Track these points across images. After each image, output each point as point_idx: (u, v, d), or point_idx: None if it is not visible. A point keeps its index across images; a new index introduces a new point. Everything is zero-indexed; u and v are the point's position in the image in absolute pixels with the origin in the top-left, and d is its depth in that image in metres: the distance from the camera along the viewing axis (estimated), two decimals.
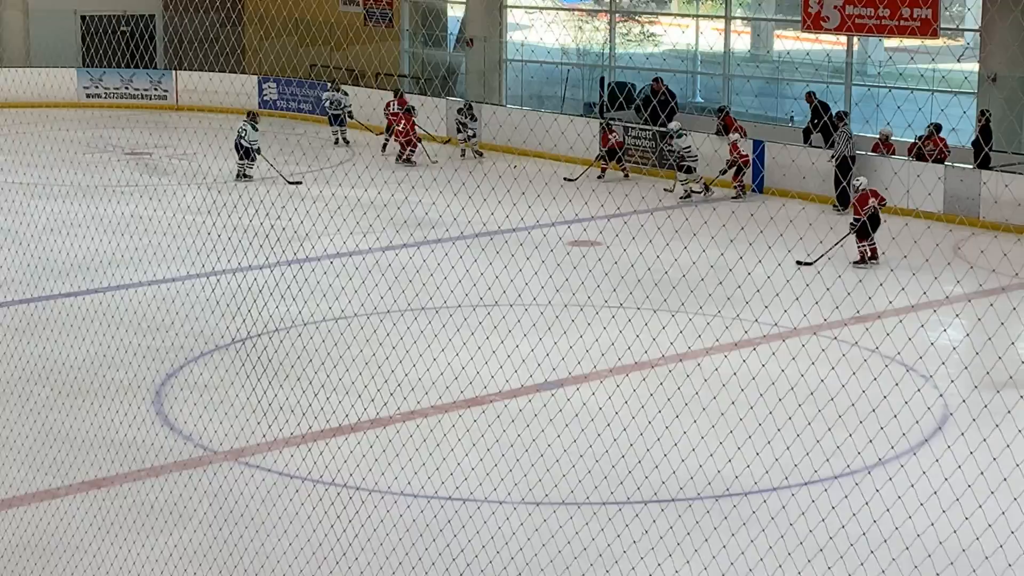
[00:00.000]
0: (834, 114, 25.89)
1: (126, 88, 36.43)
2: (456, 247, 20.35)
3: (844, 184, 23.61)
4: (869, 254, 20.52)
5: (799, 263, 17.74)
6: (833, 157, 24.46)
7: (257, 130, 27.24)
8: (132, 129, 32.46)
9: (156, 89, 36.36)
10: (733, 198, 25.13)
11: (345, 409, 13.65)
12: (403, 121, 28.87)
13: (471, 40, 34.16)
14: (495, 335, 13.31)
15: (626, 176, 27.41)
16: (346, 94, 31.42)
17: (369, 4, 36.25)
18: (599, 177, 27.32)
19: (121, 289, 18.90)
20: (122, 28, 38.04)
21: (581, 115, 31.46)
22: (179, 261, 19.32)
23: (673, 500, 12.09)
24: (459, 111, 29.92)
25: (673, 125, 26.08)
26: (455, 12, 36.50)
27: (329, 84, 32.16)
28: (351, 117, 31.21)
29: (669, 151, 26.10)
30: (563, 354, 13.22)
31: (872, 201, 20.44)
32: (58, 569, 10.98)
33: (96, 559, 11.03)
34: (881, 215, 20.58)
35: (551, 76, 34.48)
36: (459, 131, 29.74)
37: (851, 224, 20.44)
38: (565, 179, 25.21)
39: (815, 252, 17.87)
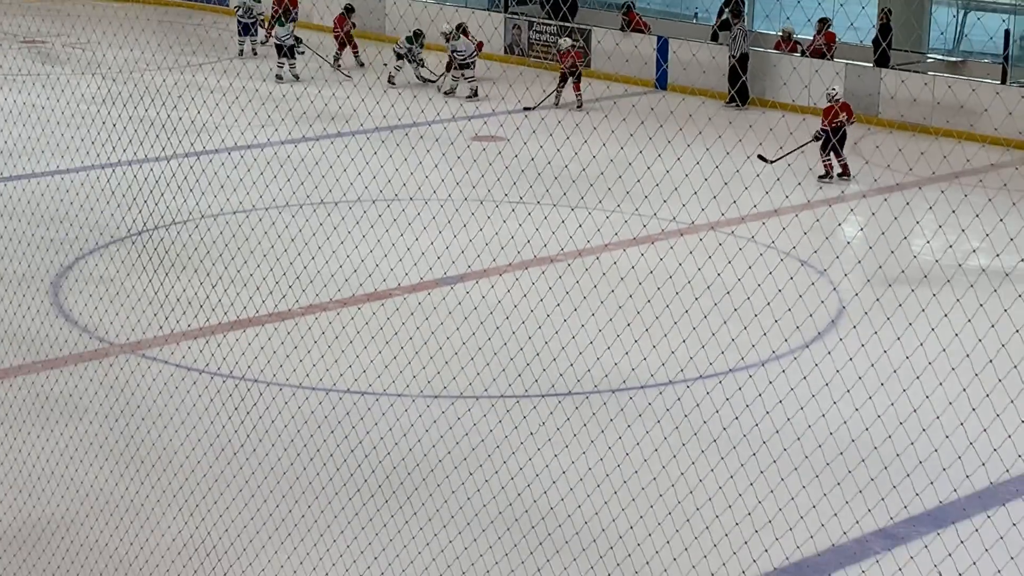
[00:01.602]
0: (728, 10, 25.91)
1: None
2: (356, 140, 20.21)
3: (743, 80, 23.73)
4: (839, 170, 20.10)
5: (760, 157, 17.62)
6: (731, 55, 24.51)
7: (284, 24, 26.48)
8: (26, 16, 31.77)
9: None
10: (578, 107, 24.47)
11: (244, 302, 13.60)
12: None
13: None
14: (395, 229, 13.31)
15: (579, 107, 26.69)
16: (258, 0, 28.67)
17: None
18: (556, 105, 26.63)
19: (17, 179, 18.62)
20: None
21: (485, 9, 31.24)
22: (75, 152, 18.99)
23: (570, 393, 12.23)
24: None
25: (445, 27, 25.95)
26: None
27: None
28: (262, 26, 28.95)
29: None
30: (463, 248, 13.25)
31: (842, 116, 19.87)
32: None
33: None
34: (847, 130, 20.09)
35: None
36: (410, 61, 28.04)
37: (815, 134, 19.85)
38: (525, 108, 24.21)
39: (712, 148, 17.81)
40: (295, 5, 28.90)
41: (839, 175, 20.17)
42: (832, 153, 20.07)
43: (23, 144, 20.01)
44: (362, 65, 27.01)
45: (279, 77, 26.12)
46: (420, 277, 14.04)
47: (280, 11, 26.78)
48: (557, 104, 24.27)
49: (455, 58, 25.44)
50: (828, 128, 19.78)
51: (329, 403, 11.98)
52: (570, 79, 24.36)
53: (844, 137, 20.13)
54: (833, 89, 20.36)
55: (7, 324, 13.57)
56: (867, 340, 10.28)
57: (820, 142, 19.88)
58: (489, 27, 28.13)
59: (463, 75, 25.36)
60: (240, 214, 17.07)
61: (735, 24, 24.88)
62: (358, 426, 11.18)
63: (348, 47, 27.51)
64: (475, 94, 25.15)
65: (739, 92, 24.20)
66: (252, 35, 28.55)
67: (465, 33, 25.92)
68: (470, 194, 15.85)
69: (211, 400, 11.62)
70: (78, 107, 21.90)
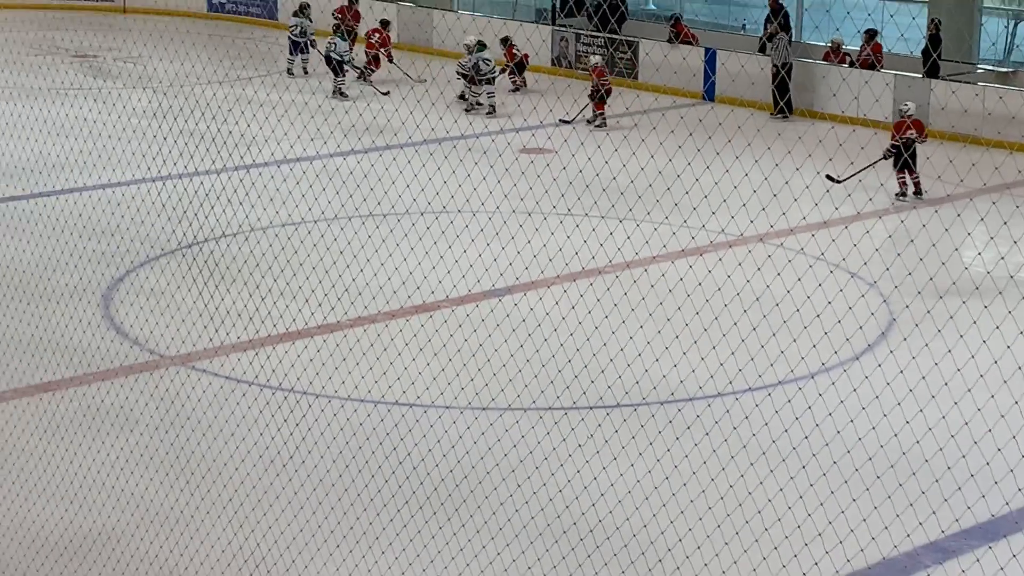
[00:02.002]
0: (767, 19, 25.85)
1: None
2: (404, 153, 20.27)
3: (774, 88, 23.80)
4: (913, 188, 19.68)
5: (828, 177, 17.43)
6: (773, 65, 24.44)
7: (346, 40, 26.18)
8: (79, 31, 32.03)
9: None
10: (597, 125, 24.21)
11: (293, 314, 13.68)
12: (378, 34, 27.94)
13: None
14: (443, 241, 13.33)
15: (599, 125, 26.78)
16: (311, 21, 28.13)
17: None
18: (513, 91, 26.78)
19: (68, 193, 18.76)
20: None
21: (533, 21, 31.29)
22: (126, 165, 19.16)
23: (618, 405, 12.20)
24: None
25: (470, 39, 25.49)
26: None
27: (299, 7, 28.58)
28: (313, 46, 28.03)
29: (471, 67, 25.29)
30: (511, 260, 13.25)
31: (910, 132, 19.50)
32: (4, 471, 10.99)
33: (43, 462, 11.04)
34: (918, 148, 19.61)
35: None
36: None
37: (886, 150, 19.53)
38: (561, 120, 24.19)
39: (761, 160, 17.68)
40: (357, 21, 28.85)
41: (913, 193, 19.75)
42: (906, 170, 19.68)
43: (75, 157, 20.17)
44: (415, 79, 26.82)
45: (342, 94, 25.85)
46: (468, 289, 14.04)
47: (343, 26, 26.80)
48: (590, 121, 24.07)
49: (477, 73, 25.33)
50: (898, 144, 19.45)
51: (377, 415, 12.00)
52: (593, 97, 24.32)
53: (915, 154, 19.66)
54: (906, 105, 20.02)
55: (59, 337, 13.67)
56: (918, 352, 10.22)
57: (891, 159, 19.49)
58: (537, 40, 28.17)
59: (485, 91, 25.04)
60: (289, 227, 17.14)
61: (777, 35, 24.82)
62: (406, 438, 11.19)
63: (385, 62, 27.48)
64: (493, 110, 24.76)
65: (776, 101, 24.17)
66: (304, 53, 27.99)
67: (503, 44, 26.02)
68: (518, 206, 15.85)
69: (260, 412, 11.67)
70: (129, 121, 22.09)
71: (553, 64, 28.77)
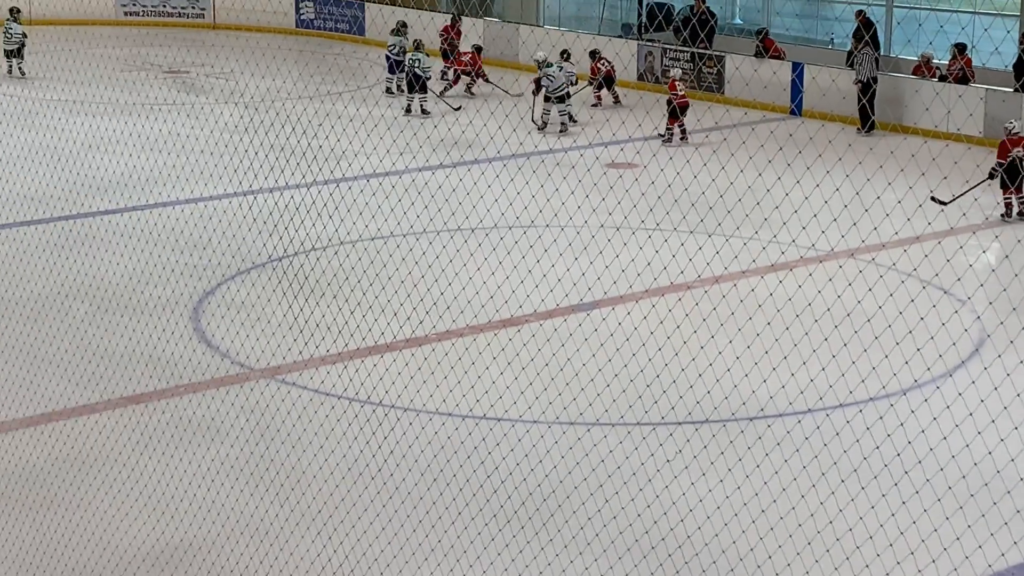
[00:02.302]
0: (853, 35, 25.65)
1: (164, 6, 36.33)
2: (493, 167, 20.28)
3: (865, 104, 23.61)
4: (1017, 209, 19.20)
5: (934, 199, 17.23)
6: (856, 80, 24.21)
7: (427, 56, 25.84)
8: (170, 47, 32.45)
9: (193, 7, 36.26)
10: (664, 141, 24.03)
11: (381, 328, 13.71)
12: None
13: None
14: (531, 256, 13.32)
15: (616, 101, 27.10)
16: (423, 52, 26.19)
17: None
18: (594, 106, 26.86)
19: (160, 207, 18.98)
20: None
21: (619, 36, 31.27)
22: (217, 179, 19.34)
23: (707, 421, 12.11)
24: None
25: (539, 55, 25.15)
26: None
27: (397, 26, 27.54)
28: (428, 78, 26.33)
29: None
30: (599, 275, 13.21)
31: (1016, 150, 19.00)
32: (96, 482, 11.10)
33: (134, 473, 11.15)
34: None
35: None
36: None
37: (991, 170, 19.03)
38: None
39: (939, 191, 17.32)
40: (459, 37, 28.93)
41: (1017, 214, 19.29)
42: (1012, 190, 19.22)
43: (167, 172, 20.41)
44: (511, 93, 26.75)
45: (424, 111, 25.70)
46: (556, 304, 14.05)
47: (444, 43, 26.82)
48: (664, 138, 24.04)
49: (548, 88, 25.30)
50: (1003, 164, 19.00)
51: (465, 429, 11.99)
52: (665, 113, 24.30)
53: (1018, 173, 19.12)
54: (1011, 123, 19.53)
55: (150, 349, 13.80)
56: (1012, 369, 10.07)
57: (996, 179, 18.99)
58: (626, 54, 28.14)
59: (556, 108, 24.81)
60: (378, 240, 17.21)
61: (860, 49, 24.60)
62: (493, 452, 11.17)
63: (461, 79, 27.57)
64: (565, 128, 24.40)
65: (862, 117, 23.98)
66: (400, 72, 27.19)
67: (591, 57, 26.00)
68: (606, 221, 15.79)
69: (348, 425, 11.70)
70: (220, 136, 22.32)
71: (639, 79, 28.72)
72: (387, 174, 20.42)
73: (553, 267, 12.74)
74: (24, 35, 29.23)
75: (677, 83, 24.20)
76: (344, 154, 20.00)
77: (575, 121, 24.66)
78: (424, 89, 25.74)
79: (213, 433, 12.12)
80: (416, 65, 25.63)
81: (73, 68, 28.98)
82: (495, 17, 33.27)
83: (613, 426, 11.95)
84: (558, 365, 12.35)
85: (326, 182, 19.11)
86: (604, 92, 26.89)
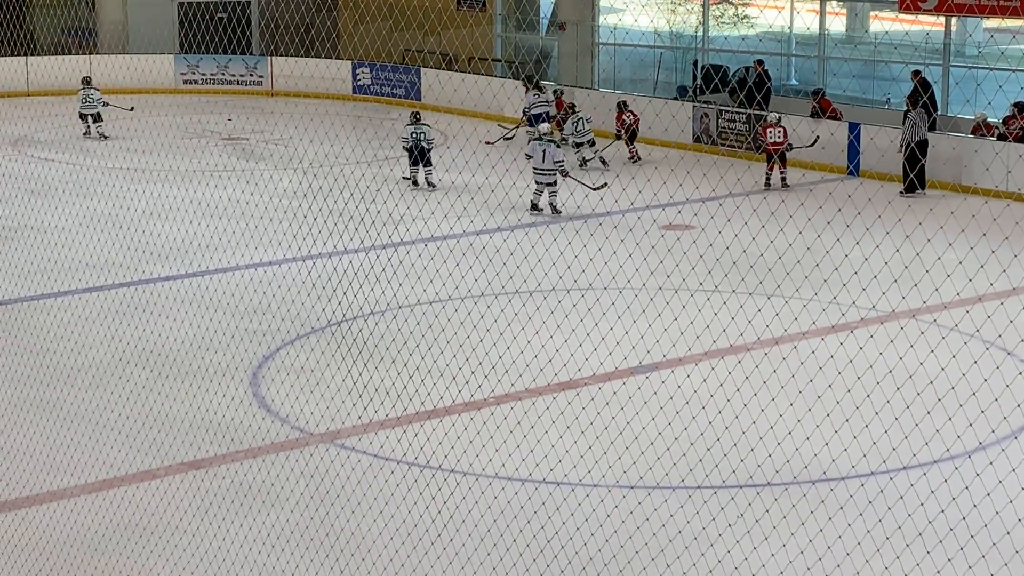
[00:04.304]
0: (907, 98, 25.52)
1: (222, 74, 36.73)
2: (550, 230, 20.33)
3: (917, 165, 23.45)
4: None
5: None
6: (907, 141, 24.01)
7: (429, 128, 25.24)
8: (228, 114, 32.75)
9: (251, 75, 36.64)
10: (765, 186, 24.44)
11: (440, 392, 13.71)
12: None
13: (564, 24, 34.09)
14: (589, 318, 13.30)
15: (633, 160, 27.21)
16: (428, 125, 25.59)
17: None
18: (630, 159, 27.12)
19: (219, 273, 19.09)
20: (218, 14, 38.39)
21: (675, 98, 31.32)
22: (275, 245, 19.47)
23: (768, 484, 12.01)
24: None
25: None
26: None
27: (412, 117, 25.83)
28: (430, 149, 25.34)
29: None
30: (657, 337, 13.17)
31: None
32: (158, 548, 11.11)
33: (195, 539, 11.15)
34: None
35: (644, 59, 34.34)
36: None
37: None
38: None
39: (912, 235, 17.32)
40: (560, 108, 29.12)
41: None
42: None
43: (226, 238, 20.54)
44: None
45: (414, 182, 24.86)
46: (614, 366, 13.99)
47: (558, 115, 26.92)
48: (767, 186, 24.34)
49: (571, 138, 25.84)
50: None
51: (525, 493, 11.93)
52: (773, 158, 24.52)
53: None
54: None
55: (209, 415, 13.84)
56: None
57: None
58: (682, 116, 28.18)
59: (583, 157, 25.37)
60: (435, 304, 17.23)
61: (911, 111, 24.48)
62: (553, 517, 11.12)
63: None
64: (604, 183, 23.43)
65: (914, 177, 23.86)
66: (428, 164, 25.11)
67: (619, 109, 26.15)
68: (664, 283, 15.77)
69: (408, 490, 11.68)
70: (280, 202, 22.50)
71: (695, 140, 28.73)
72: (444, 238, 20.48)
73: (612, 330, 12.70)
74: (104, 102, 29.74)
75: (771, 129, 24.46)
76: (402, 219, 20.14)
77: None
78: (429, 162, 24.95)
79: (274, 499, 12.11)
80: (422, 138, 24.94)
81: (133, 136, 29.31)
82: (550, 81, 33.41)
83: (674, 490, 11.86)
84: (617, 428, 12.29)
85: (384, 246, 19.19)
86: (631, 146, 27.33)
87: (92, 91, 29.73)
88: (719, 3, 34.81)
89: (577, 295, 16.21)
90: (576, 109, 27.61)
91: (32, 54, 35.68)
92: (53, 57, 35.60)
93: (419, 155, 24.82)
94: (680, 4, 35.09)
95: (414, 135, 24.74)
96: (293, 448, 13.32)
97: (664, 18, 34.90)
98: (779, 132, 24.67)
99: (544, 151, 22.41)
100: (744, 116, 27.94)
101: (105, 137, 29.38)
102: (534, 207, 22.44)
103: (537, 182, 22.53)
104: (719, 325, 13.33)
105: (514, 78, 32.13)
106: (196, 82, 36.64)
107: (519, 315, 15.44)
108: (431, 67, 34.57)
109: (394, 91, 35.24)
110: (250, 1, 38.82)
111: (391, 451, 12.97)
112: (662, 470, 11.79)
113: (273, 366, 15.57)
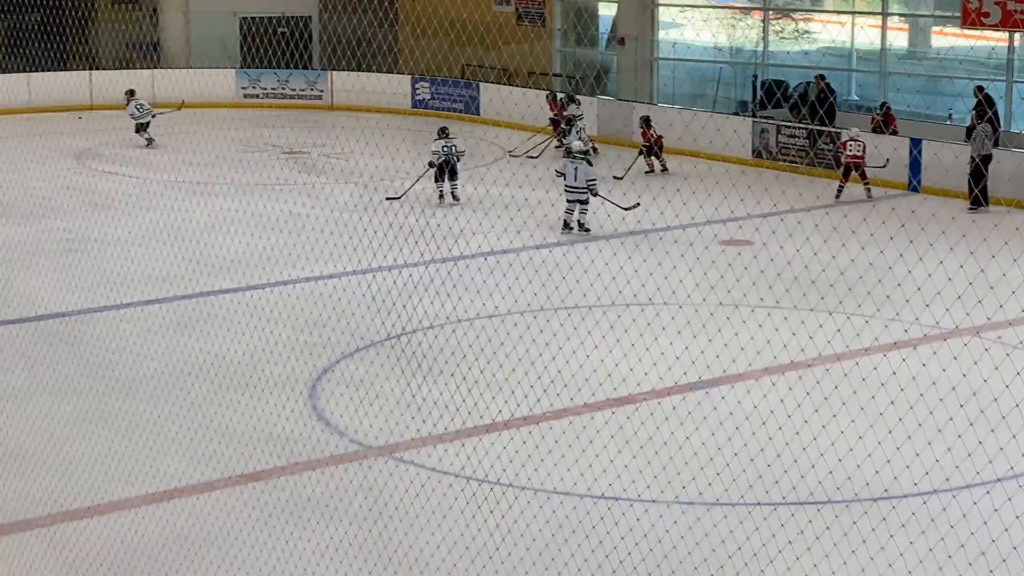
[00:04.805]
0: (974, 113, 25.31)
1: (283, 88, 36.93)
2: (610, 245, 20.28)
3: (983, 181, 23.20)
4: None
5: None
6: (971, 157, 23.80)
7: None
8: (288, 128, 32.92)
9: (312, 89, 36.81)
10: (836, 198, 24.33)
11: (498, 406, 13.68)
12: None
13: (623, 39, 34.06)
14: (648, 333, 13.25)
15: (664, 169, 27.27)
16: (456, 139, 25.57)
17: (522, 4, 36.32)
18: (647, 172, 27.20)
19: (278, 286, 19.15)
20: (280, 29, 38.61)
21: (735, 113, 31.21)
22: (335, 258, 19.52)
23: (829, 502, 11.90)
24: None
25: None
26: (607, 11, 36.43)
27: (440, 132, 25.60)
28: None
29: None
30: (717, 353, 13.10)
31: None
32: (216, 559, 11.13)
33: (253, 551, 11.17)
34: None
35: (703, 74, 34.25)
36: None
37: None
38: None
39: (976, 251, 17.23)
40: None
41: None
42: None
43: (286, 251, 20.62)
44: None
45: (453, 196, 24.67)
46: (674, 381, 13.93)
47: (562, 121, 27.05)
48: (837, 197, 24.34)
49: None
50: None
51: (582, 508, 11.87)
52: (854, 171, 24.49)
53: None
54: None
55: (268, 427, 13.87)
56: None
57: None
58: (742, 131, 28.07)
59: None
60: (495, 318, 17.21)
61: (976, 125, 24.29)
62: (612, 532, 11.06)
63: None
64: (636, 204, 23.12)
65: (971, 193, 23.68)
66: (453, 178, 24.82)
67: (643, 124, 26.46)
68: (724, 298, 15.70)
69: (466, 504, 11.65)
70: (340, 215, 22.56)
71: (755, 155, 28.61)
72: (504, 252, 20.47)
73: (671, 345, 12.65)
74: (152, 113, 30.11)
75: (851, 143, 24.51)
76: (462, 232, 20.14)
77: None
78: (455, 175, 24.75)
79: (332, 512, 12.11)
80: (452, 152, 24.80)
81: (195, 150, 29.51)
82: (609, 96, 33.38)
83: (733, 506, 11.77)
84: (676, 444, 12.22)
85: (443, 260, 19.20)
86: (653, 160, 27.46)
87: (141, 101, 30.09)
88: (780, 18, 34.66)
89: (636, 311, 16.15)
90: (579, 118, 28.18)
91: (96, 68, 35.99)
92: (116, 71, 35.88)
93: (449, 170, 24.66)
94: (740, 19, 34.99)
95: (445, 149, 24.69)
96: (351, 461, 13.32)
97: (724, 33, 34.81)
98: (859, 146, 24.61)
99: (576, 169, 22.10)
100: (805, 132, 27.78)
101: (151, 141, 29.83)
102: (566, 226, 22.12)
103: (568, 200, 22.22)
104: (780, 341, 13.24)
105: (573, 92, 32.07)
106: (257, 96, 36.84)
107: (578, 330, 15.43)
108: (490, 82, 34.59)
109: (453, 106, 35.30)
110: (311, 16, 39.01)
111: (448, 465, 12.95)
112: (721, 487, 11.72)
113: (331, 379, 15.59)
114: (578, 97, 30.11)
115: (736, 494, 11.81)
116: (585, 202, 22.10)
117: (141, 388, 15.06)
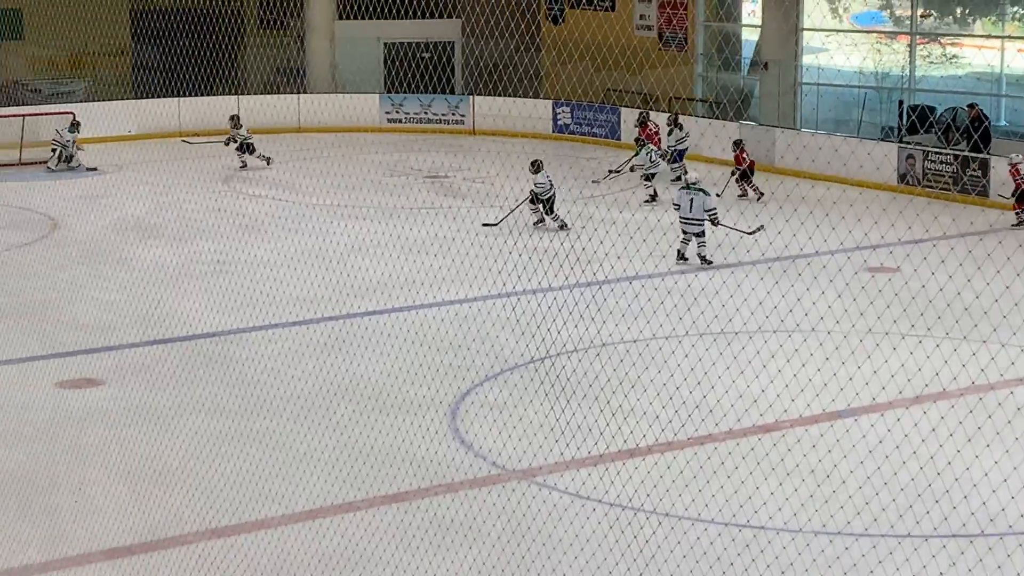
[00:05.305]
0: None
1: (425, 113, 37.17)
2: (757, 270, 20.06)
3: None
4: None
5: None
6: None
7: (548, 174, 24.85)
8: (431, 153, 33.12)
9: (454, 114, 37.01)
10: (1014, 225, 23.92)
11: (641, 432, 13.57)
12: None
13: (767, 64, 33.78)
14: (796, 360, 13.05)
15: (759, 196, 26.91)
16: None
17: (664, 28, 36.21)
18: (740, 196, 26.91)
19: (420, 308, 19.22)
20: (423, 54, 38.91)
21: (880, 139, 30.76)
22: (478, 281, 19.56)
23: (982, 534, 11.61)
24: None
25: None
26: (750, 35, 36.18)
27: (535, 164, 24.77)
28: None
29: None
30: (867, 380, 12.86)
31: None
32: None
33: (396, 572, 11.19)
34: None
35: (848, 99, 33.82)
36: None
37: None
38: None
39: None
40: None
41: None
42: None
43: (430, 274, 20.71)
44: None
45: (540, 221, 24.26)
46: (822, 408, 13.70)
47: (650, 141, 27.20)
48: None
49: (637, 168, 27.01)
50: None
51: (727, 536, 11.71)
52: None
53: None
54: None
55: (410, 449, 13.90)
56: None
57: None
58: (890, 157, 27.66)
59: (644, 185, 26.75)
60: (638, 343, 17.09)
61: None
62: (757, 560, 10.90)
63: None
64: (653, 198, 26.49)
65: None
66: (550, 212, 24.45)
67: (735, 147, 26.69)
68: (874, 325, 15.43)
69: (610, 529, 11.56)
70: (484, 239, 22.61)
71: (900, 181, 28.16)
72: (648, 277, 20.35)
73: (819, 371, 12.44)
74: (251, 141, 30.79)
75: (1020, 167, 24.22)
76: (607, 256, 20.06)
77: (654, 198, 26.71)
78: (552, 209, 24.29)
79: (474, 535, 12.08)
80: (547, 185, 24.27)
81: (339, 174, 29.80)
82: (751, 121, 33.12)
83: (882, 537, 11.53)
84: (823, 473, 12.03)
85: (587, 284, 19.14)
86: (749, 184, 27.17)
87: (242, 129, 30.68)
88: (927, 43, 34.13)
89: (783, 338, 15.93)
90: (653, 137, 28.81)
91: (243, 93, 36.55)
92: (263, 96, 36.42)
93: (545, 202, 24.28)
94: (886, 44, 34.53)
95: (539, 184, 24.36)
96: (491, 484, 13.29)
97: (870, 57, 34.38)
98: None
99: (692, 200, 21.59)
100: (953, 157, 27.29)
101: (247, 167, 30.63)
102: (680, 256, 21.63)
103: (684, 231, 21.67)
104: (930, 370, 12.96)
105: (712, 117, 31.88)
106: (400, 121, 37.14)
107: (723, 356, 15.26)
108: (632, 107, 34.49)
109: (594, 131, 35.25)
110: (454, 41, 39.26)
111: (590, 490, 12.86)
112: (870, 517, 11.50)
113: (472, 401, 15.59)
114: (682, 120, 30.14)
115: (885, 525, 11.58)
116: (702, 234, 21.59)
117: (286, 408, 15.19)
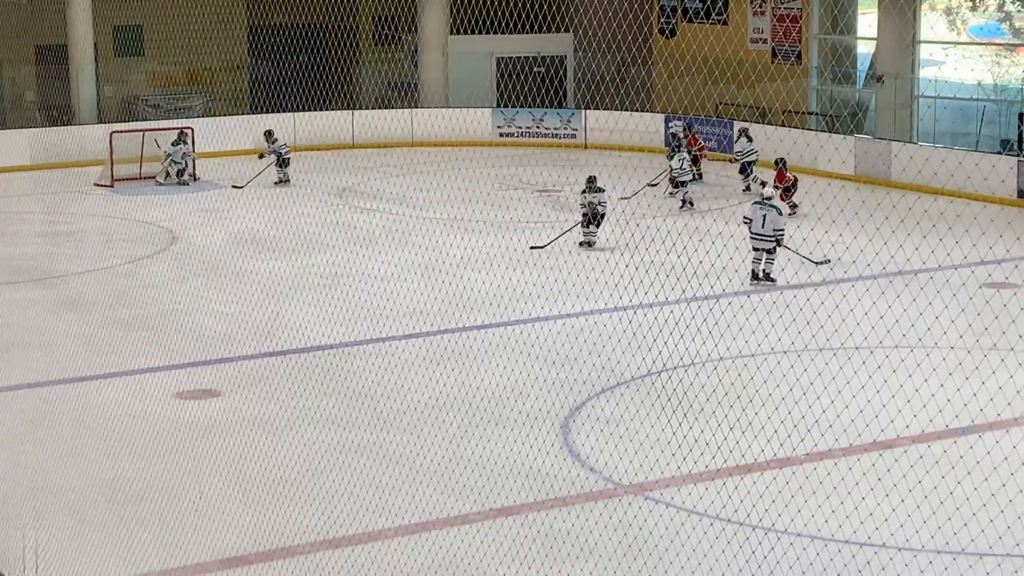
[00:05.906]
0: None
1: (537, 127, 37.17)
2: (879, 284, 19.75)
3: None
4: None
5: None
6: None
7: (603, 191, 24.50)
8: (543, 166, 33.09)
9: (566, 128, 36.97)
10: None
11: (758, 448, 13.38)
12: None
13: (882, 76, 33.34)
14: (918, 375, 12.80)
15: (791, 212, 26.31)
16: (603, 190, 24.43)
17: (778, 41, 35.90)
18: (790, 215, 26.10)
19: (531, 322, 19.15)
20: (535, 68, 38.93)
21: (998, 152, 30.23)
22: (590, 295, 19.47)
23: None
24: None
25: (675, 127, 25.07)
26: (865, 48, 35.74)
27: (588, 184, 24.48)
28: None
29: None
30: (991, 396, 12.57)
31: None
32: None
33: None
34: None
35: (966, 112, 33.29)
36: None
37: None
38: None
39: None
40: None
41: None
42: None
43: (539, 287, 20.65)
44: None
45: (590, 244, 23.98)
46: (945, 424, 13.42)
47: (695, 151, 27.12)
48: None
49: (673, 175, 27.36)
50: None
51: (847, 554, 11.48)
52: None
53: None
54: None
55: (521, 462, 13.81)
56: None
57: None
58: (1008, 171, 27.17)
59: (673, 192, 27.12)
60: (755, 357, 16.89)
61: None
62: None
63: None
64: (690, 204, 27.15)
65: None
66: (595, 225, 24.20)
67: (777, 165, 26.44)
68: (999, 341, 15.08)
69: (727, 545, 11.39)
70: (593, 253, 22.50)
71: (1019, 195, 27.65)
72: (764, 291, 20.12)
73: (943, 387, 12.18)
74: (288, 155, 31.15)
75: None
76: (724, 270, 19.87)
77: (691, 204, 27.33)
78: (599, 224, 24.09)
79: (587, 550, 11.96)
80: (597, 202, 24.05)
81: (451, 187, 29.88)
82: (866, 134, 32.70)
83: (1008, 556, 11.25)
84: (946, 491, 11.77)
85: (703, 298, 18.96)
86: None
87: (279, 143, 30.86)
88: None
89: (903, 353, 15.65)
90: (681, 147, 29.30)
91: (357, 108, 36.81)
92: (376, 111, 36.64)
93: (593, 218, 24.00)
94: (1005, 56, 33.95)
95: (590, 202, 24.06)
96: (603, 499, 13.16)
97: (987, 70, 33.82)
98: None
99: (764, 216, 21.09)
100: None
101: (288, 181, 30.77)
102: (755, 276, 21.06)
103: (755, 248, 21.15)
104: None
105: (828, 130, 31.51)
106: (512, 135, 37.17)
107: (843, 371, 15.02)
108: (745, 120, 34.22)
109: (708, 144, 35.00)
110: (566, 55, 39.24)
111: (704, 506, 12.68)
112: (995, 535, 11.23)
113: (584, 415, 15.48)
114: (751, 132, 29.99)
115: (1011, 543, 11.30)
116: (772, 251, 21.08)
117: (398, 420, 15.18)
